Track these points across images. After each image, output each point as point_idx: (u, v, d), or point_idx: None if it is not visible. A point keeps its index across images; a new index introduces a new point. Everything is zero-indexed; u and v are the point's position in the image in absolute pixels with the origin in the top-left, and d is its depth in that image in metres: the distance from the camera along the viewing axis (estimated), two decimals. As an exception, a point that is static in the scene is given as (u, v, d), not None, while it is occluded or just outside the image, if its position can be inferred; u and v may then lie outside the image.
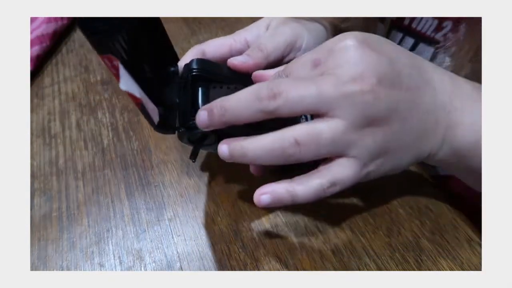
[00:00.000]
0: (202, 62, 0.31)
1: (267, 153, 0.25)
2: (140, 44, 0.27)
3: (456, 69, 0.33)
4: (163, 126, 0.28)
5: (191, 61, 0.31)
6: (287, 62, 0.35)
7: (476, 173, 0.28)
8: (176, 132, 0.30)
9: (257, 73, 0.31)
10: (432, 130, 0.27)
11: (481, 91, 0.28)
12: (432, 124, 0.27)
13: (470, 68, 0.32)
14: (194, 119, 0.28)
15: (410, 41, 0.41)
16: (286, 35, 0.34)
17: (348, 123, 0.24)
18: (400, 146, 0.27)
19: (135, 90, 0.24)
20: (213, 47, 0.34)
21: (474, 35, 0.31)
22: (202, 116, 0.27)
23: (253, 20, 0.38)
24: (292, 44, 0.34)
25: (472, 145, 0.27)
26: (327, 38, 0.38)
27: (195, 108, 0.29)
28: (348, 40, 0.25)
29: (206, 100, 0.30)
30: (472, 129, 0.27)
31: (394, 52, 0.26)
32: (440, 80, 0.27)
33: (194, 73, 0.30)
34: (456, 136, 0.27)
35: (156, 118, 0.27)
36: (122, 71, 0.22)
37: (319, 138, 0.24)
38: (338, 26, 0.42)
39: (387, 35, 0.43)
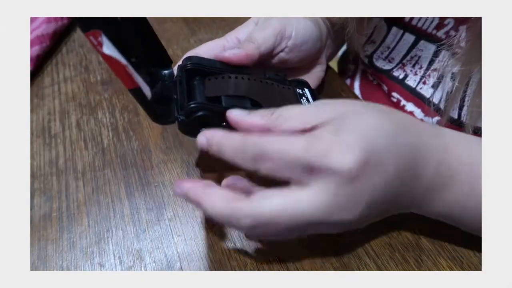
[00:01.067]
0: (195, 58, 0.32)
1: (238, 157, 0.24)
2: (121, 40, 0.27)
3: (464, 74, 0.33)
4: (160, 116, 0.29)
5: (183, 59, 0.32)
6: (279, 52, 0.35)
7: (460, 224, 0.29)
8: (177, 123, 0.29)
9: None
10: (402, 210, 0.28)
11: (473, 156, 0.27)
12: (405, 208, 0.28)
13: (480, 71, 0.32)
14: (191, 104, 0.28)
15: (410, 38, 0.41)
16: (275, 25, 0.34)
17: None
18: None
19: (118, 56, 0.24)
20: (206, 50, 0.34)
21: (479, 38, 0.31)
22: (201, 141, 0.26)
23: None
24: (282, 32, 0.35)
25: (446, 215, 0.28)
26: (317, 28, 0.38)
27: (192, 97, 0.29)
28: (343, 169, 0.22)
29: (202, 90, 0.30)
30: (443, 207, 0.27)
31: (395, 155, 0.24)
32: (428, 167, 0.26)
33: (188, 67, 0.31)
34: (428, 211, 0.28)
35: (147, 92, 0.27)
36: (105, 39, 0.22)
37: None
38: (333, 23, 0.42)
39: (388, 32, 0.43)
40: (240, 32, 0.36)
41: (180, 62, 0.33)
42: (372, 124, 0.24)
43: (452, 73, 0.35)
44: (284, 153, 0.23)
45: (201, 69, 0.31)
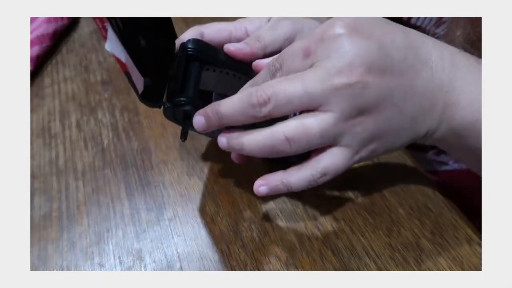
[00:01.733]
0: (199, 43, 0.31)
1: (261, 149, 0.27)
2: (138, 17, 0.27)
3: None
4: (149, 98, 0.29)
5: (188, 41, 0.31)
6: None
7: (474, 153, 0.28)
8: (162, 107, 0.30)
9: (256, 63, 0.31)
10: (428, 111, 0.27)
11: (481, 66, 0.27)
12: (428, 105, 0.26)
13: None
14: (181, 97, 0.29)
15: None
16: (286, 29, 0.34)
17: (337, 115, 0.25)
18: (393, 130, 0.27)
19: (121, 55, 0.24)
20: (213, 31, 0.33)
21: (464, 24, 0.31)
22: (199, 121, 0.28)
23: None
24: (292, 38, 0.34)
25: (471, 124, 0.26)
26: None
27: (185, 87, 0.29)
28: (337, 28, 0.25)
29: (197, 81, 0.30)
30: (471, 109, 0.26)
31: (387, 34, 0.26)
32: (438, 58, 0.27)
33: (189, 52, 0.30)
34: (454, 116, 0.27)
35: (140, 88, 0.27)
36: (110, 34, 0.23)
37: (308, 133, 0.25)
38: None
39: None
40: (251, 24, 0.35)
41: (183, 36, 0.32)
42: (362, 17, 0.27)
43: None
44: (288, 66, 0.27)
45: (202, 57, 0.31)
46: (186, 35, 0.32)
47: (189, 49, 0.30)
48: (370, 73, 0.24)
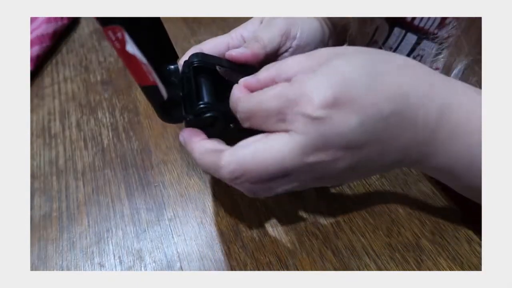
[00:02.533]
0: (201, 55, 0.31)
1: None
2: (140, 40, 0.27)
3: (447, 63, 0.33)
4: (168, 112, 0.29)
5: (190, 56, 0.31)
6: (283, 52, 0.35)
7: (457, 182, 0.28)
8: (184, 121, 0.30)
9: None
10: (401, 161, 0.26)
11: (476, 102, 0.25)
12: (403, 157, 0.26)
13: (465, 64, 0.32)
14: (201, 104, 0.28)
15: (413, 37, 0.41)
16: (280, 25, 0.34)
17: (303, 182, 0.25)
18: (358, 177, 0.27)
19: (141, 56, 0.24)
20: (211, 46, 0.34)
21: (471, 29, 0.31)
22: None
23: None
24: (287, 33, 0.35)
25: (445, 167, 0.26)
26: (321, 30, 0.38)
27: (200, 96, 0.29)
28: (313, 109, 0.22)
29: (210, 88, 0.30)
30: (448, 156, 0.25)
31: (374, 102, 0.23)
32: (425, 115, 0.24)
33: (195, 65, 0.31)
34: (429, 162, 0.26)
35: (164, 93, 0.27)
36: (128, 37, 0.23)
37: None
38: (336, 24, 0.42)
39: (390, 32, 0.43)
40: (245, 30, 0.36)
41: (185, 58, 0.32)
42: (354, 63, 0.24)
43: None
44: (260, 105, 0.24)
45: (208, 67, 0.31)
46: (187, 55, 0.33)
47: (194, 62, 0.31)
48: (347, 150, 0.23)
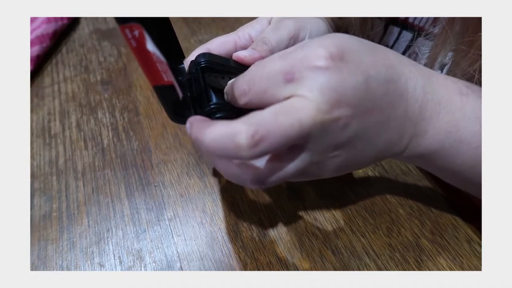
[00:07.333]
0: (208, 55, 0.31)
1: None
2: (157, 38, 0.27)
3: (432, 56, 0.33)
4: (180, 113, 0.29)
5: (197, 56, 0.31)
6: None
7: (446, 171, 0.28)
8: None
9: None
10: (396, 143, 0.27)
11: (456, 87, 0.27)
12: (398, 138, 0.26)
13: (450, 58, 0.32)
14: (212, 104, 0.28)
15: (408, 35, 0.41)
16: (289, 28, 0.34)
17: (313, 153, 0.24)
18: (358, 161, 0.26)
19: (160, 54, 0.24)
20: (218, 45, 0.34)
21: (456, 19, 0.31)
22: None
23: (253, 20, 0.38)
24: (296, 36, 0.34)
25: (436, 150, 0.27)
26: (328, 31, 0.38)
27: (209, 97, 0.29)
28: (321, 60, 0.23)
29: (218, 88, 0.30)
30: (437, 138, 0.26)
31: (373, 65, 0.24)
32: (413, 89, 0.26)
33: (202, 65, 0.30)
34: (420, 145, 0.27)
35: (179, 93, 0.27)
36: (147, 36, 0.23)
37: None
38: (336, 22, 0.42)
39: (385, 30, 0.43)
40: (253, 29, 0.35)
41: (191, 56, 0.32)
42: (351, 36, 0.25)
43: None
44: (263, 68, 0.24)
45: (215, 67, 0.31)
46: (193, 55, 0.33)
47: (201, 63, 0.30)
48: (355, 112, 0.23)
